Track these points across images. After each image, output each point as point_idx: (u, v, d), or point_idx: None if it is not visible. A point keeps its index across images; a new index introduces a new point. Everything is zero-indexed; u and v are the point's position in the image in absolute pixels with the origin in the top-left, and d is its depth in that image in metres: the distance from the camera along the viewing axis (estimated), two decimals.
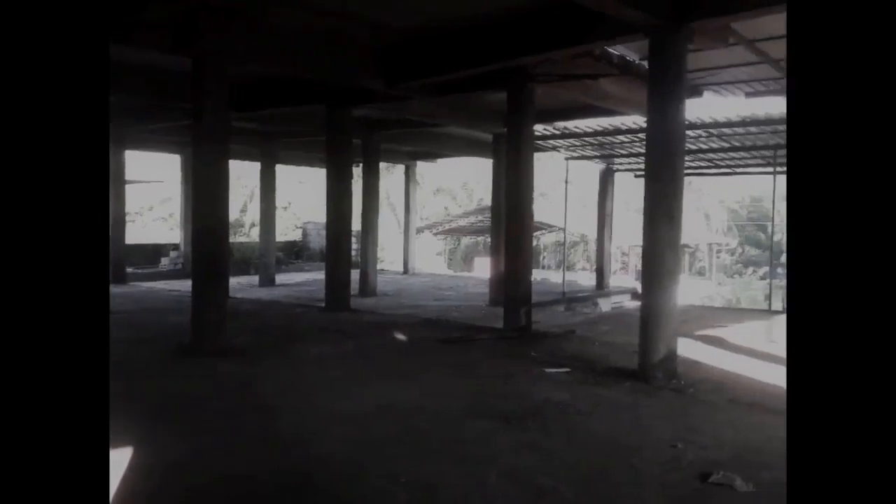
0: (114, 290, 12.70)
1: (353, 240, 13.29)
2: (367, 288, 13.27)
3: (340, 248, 10.69)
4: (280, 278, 15.73)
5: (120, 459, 3.81)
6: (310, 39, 7.72)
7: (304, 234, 22.07)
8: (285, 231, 27.45)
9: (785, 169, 12.88)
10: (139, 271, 15.76)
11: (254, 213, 27.02)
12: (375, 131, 13.24)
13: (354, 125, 10.85)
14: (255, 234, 23.61)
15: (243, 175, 27.93)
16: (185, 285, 13.02)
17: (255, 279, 15.33)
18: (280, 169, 16.14)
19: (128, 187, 15.49)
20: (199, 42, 6.97)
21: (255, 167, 17.54)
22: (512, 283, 8.61)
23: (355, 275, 12.23)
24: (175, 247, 17.52)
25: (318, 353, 7.22)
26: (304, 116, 11.73)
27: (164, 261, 16.88)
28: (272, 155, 15.54)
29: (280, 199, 17.94)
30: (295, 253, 20.75)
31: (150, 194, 28.86)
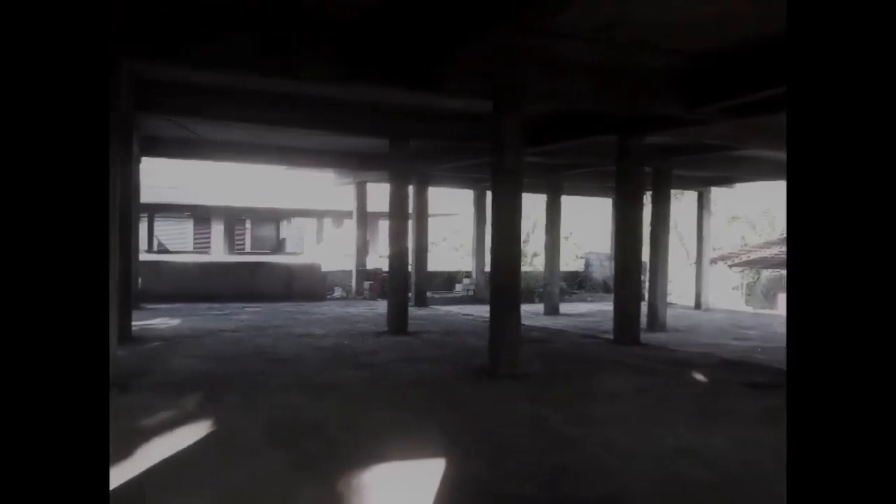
0: (417, 312, 14.13)
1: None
2: (655, 322, 12.67)
3: (630, 279, 10.38)
4: (563, 308, 15.89)
5: (435, 470, 4.14)
6: (600, 72, 7.73)
7: (587, 265, 22.04)
8: (566, 261, 27.77)
9: None
10: (436, 296, 17.38)
11: (535, 244, 27.89)
12: (668, 158, 12.70)
13: (646, 153, 10.53)
14: (537, 264, 24.28)
15: (524, 207, 29.08)
16: (477, 310, 14.02)
17: (540, 308, 15.71)
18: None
19: (429, 220, 17.26)
20: (500, 85, 7.44)
21: (533, 198, 17.97)
22: None
23: (642, 307, 11.75)
24: (467, 274, 18.90)
25: (610, 385, 7.03)
26: (591, 147, 11.75)
27: (458, 287, 18.31)
28: (557, 187, 15.91)
29: (561, 229, 18.25)
30: (577, 283, 20.81)
31: (444, 226, 31.82)
